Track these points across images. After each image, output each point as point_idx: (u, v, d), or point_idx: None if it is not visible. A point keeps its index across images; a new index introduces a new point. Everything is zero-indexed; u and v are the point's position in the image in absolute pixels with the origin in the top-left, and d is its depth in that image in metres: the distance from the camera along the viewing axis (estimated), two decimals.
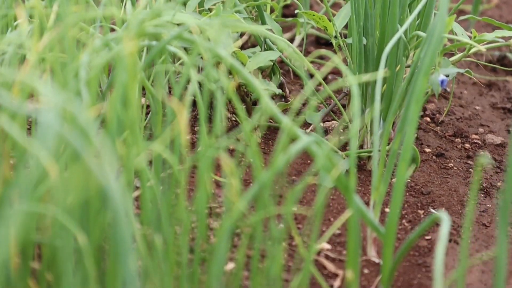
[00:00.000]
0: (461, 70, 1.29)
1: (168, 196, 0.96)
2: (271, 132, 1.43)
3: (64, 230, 0.91)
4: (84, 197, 0.88)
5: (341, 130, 1.40)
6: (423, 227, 0.99)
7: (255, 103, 1.43)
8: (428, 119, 1.52)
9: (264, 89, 1.03)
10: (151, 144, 0.93)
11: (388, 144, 1.32)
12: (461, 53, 1.39)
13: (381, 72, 1.17)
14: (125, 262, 0.76)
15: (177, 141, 0.95)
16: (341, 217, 0.99)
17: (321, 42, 1.78)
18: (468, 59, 1.41)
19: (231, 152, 1.33)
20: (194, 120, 1.41)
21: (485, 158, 0.80)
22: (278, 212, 0.92)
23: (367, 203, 1.28)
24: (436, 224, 1.26)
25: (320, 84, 1.56)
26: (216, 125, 0.94)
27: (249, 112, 1.39)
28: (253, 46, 1.62)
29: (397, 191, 1.04)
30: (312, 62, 1.65)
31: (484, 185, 1.36)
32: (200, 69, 1.33)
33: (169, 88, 1.37)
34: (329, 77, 1.63)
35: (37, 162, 0.84)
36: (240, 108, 0.95)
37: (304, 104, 1.52)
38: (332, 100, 1.41)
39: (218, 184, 1.27)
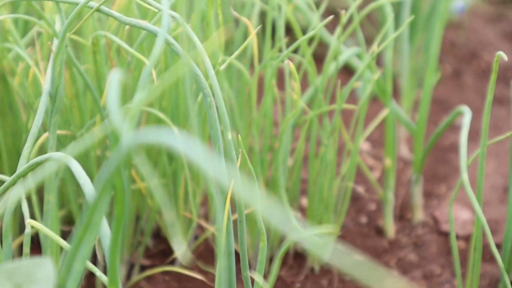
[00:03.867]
0: None
1: (239, 98, 1.18)
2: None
3: (158, 124, 1.13)
4: (175, 96, 1.10)
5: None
6: (449, 119, 1.21)
7: None
8: (446, 42, 1.74)
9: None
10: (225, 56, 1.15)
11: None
12: None
13: None
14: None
15: (247, 53, 1.17)
16: (380, 116, 1.21)
17: None
18: None
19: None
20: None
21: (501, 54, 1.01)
22: (330, 109, 1.13)
23: None
24: (458, 128, 1.48)
25: None
26: (279, 41, 1.15)
27: None
28: None
29: (426, 92, 1.25)
30: None
31: (497, 96, 1.57)
32: None
33: None
34: None
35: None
36: (296, 25, 1.17)
37: None
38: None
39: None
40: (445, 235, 1.24)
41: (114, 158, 0.54)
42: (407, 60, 1.43)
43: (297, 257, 1.19)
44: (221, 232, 0.76)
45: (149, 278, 1.14)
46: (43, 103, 0.96)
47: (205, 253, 1.19)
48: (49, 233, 0.81)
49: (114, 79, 0.61)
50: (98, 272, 0.82)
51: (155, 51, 0.86)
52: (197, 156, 0.52)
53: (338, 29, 1.13)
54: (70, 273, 0.66)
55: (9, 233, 0.85)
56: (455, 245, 1.04)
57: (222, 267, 0.84)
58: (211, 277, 1.14)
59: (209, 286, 1.13)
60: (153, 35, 1.00)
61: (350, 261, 0.48)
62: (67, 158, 0.76)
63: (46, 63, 1.08)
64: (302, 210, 1.27)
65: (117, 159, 0.54)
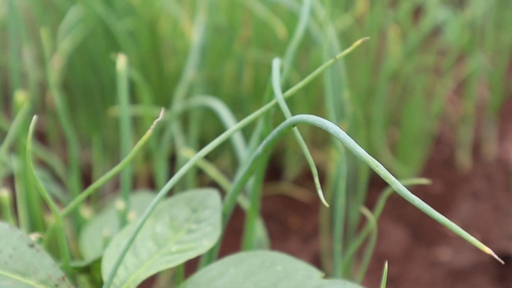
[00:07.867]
0: None
1: None
2: None
3: None
4: None
5: None
6: None
7: None
8: None
9: None
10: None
11: None
12: None
13: None
14: None
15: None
16: (466, 64, 1.41)
17: None
18: None
19: None
20: None
21: None
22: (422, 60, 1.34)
23: None
24: None
25: None
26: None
27: None
28: None
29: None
30: None
31: None
32: None
33: None
34: None
35: None
36: None
37: None
38: None
39: None
40: None
41: (282, 126, 0.76)
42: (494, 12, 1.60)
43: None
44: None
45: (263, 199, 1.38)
46: (193, 55, 1.18)
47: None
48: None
49: (276, 66, 0.83)
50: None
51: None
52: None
53: None
54: (232, 201, 0.89)
55: None
56: None
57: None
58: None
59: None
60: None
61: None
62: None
63: (192, 14, 1.29)
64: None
65: (283, 127, 0.76)
